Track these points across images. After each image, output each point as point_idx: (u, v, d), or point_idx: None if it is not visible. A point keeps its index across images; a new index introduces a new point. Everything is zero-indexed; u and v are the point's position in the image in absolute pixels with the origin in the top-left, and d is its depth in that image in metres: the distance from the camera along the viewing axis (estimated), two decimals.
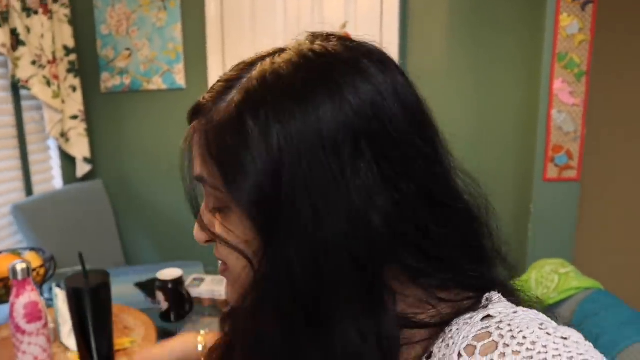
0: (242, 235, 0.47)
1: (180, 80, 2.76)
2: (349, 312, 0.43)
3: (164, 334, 1.39)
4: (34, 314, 1.24)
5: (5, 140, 2.40)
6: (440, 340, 0.44)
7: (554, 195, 2.21)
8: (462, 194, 0.52)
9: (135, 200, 2.93)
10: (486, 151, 2.40)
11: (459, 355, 0.41)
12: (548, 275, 1.78)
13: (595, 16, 1.99)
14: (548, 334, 0.39)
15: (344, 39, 0.50)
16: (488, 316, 0.43)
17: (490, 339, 0.40)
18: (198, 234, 0.53)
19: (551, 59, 2.06)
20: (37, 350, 1.25)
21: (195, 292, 1.61)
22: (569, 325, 0.42)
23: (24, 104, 2.48)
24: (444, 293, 0.47)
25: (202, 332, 0.76)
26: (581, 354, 0.37)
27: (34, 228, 2.36)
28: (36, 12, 2.38)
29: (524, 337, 0.39)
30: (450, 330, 0.44)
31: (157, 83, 2.79)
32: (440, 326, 0.45)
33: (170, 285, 1.52)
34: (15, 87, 2.40)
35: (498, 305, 0.45)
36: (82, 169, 2.79)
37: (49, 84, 2.46)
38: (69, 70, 2.65)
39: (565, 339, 0.39)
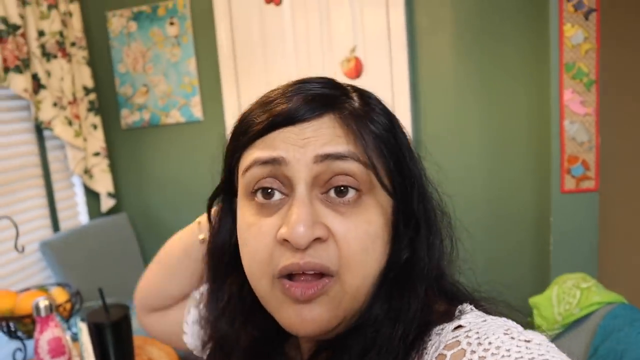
0: (380, 221, 0.50)
1: (197, 112, 2.83)
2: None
3: None
4: (57, 349, 1.28)
5: (31, 179, 2.49)
6: (415, 351, 0.47)
7: (573, 207, 2.18)
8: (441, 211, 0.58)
9: (159, 231, 2.99)
10: (500, 166, 2.40)
11: None
12: (570, 291, 1.75)
13: (599, 24, 1.98)
14: (512, 338, 0.42)
15: None
16: (459, 326, 0.47)
17: (460, 347, 0.43)
18: (308, 230, 0.46)
19: (559, 70, 2.05)
20: None
21: None
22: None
23: (48, 143, 2.58)
24: (429, 300, 0.52)
25: (199, 220, 0.73)
26: (542, 355, 0.40)
27: (61, 263, 2.43)
28: (55, 57, 2.49)
29: (490, 343, 0.42)
30: (424, 341, 0.47)
31: (175, 117, 2.86)
32: (416, 338, 0.48)
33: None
34: (39, 129, 2.50)
35: (469, 315, 0.49)
36: (107, 203, 2.86)
37: (70, 123, 2.55)
38: (89, 109, 2.75)
39: (528, 341, 0.42)
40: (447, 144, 2.46)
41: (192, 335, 0.72)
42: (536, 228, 2.38)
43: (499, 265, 2.45)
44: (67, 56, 2.56)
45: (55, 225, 2.61)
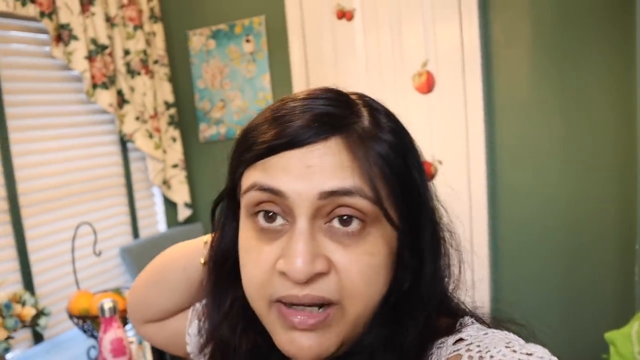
0: (384, 252, 0.49)
1: None
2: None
3: None
4: (119, 350, 1.34)
5: (115, 188, 2.66)
6: None
7: None
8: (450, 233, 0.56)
9: None
10: (581, 189, 2.24)
11: None
12: None
13: None
14: (514, 351, 0.42)
15: None
16: (460, 339, 0.46)
17: None
18: (308, 265, 0.45)
19: None
20: None
21: None
22: None
23: (131, 155, 2.75)
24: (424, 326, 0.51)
25: (206, 239, 0.69)
26: None
27: (139, 268, 2.56)
28: (139, 73, 2.65)
29: (491, 357, 0.41)
30: (425, 355, 0.47)
31: None
32: (418, 353, 0.48)
33: None
34: (123, 141, 2.67)
35: (470, 328, 0.48)
36: (183, 213, 2.99)
37: (151, 136, 2.70)
38: (169, 123, 2.89)
39: (530, 354, 0.41)
40: (523, 164, 2.34)
41: (194, 345, 0.71)
42: (620, 257, 2.19)
43: (578, 295, 2.29)
44: (149, 73, 2.72)
45: (135, 232, 2.76)
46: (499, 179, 2.38)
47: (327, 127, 0.47)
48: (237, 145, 0.53)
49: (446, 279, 0.54)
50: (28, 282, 2.15)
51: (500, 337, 0.45)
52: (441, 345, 0.46)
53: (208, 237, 0.69)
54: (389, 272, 0.49)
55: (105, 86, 2.42)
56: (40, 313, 1.71)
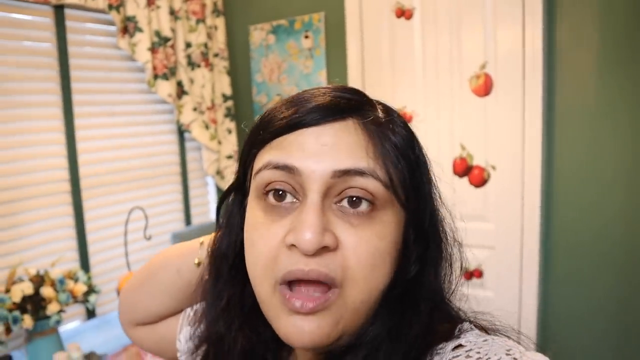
0: (391, 237, 0.49)
1: None
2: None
3: None
4: None
5: (171, 176, 2.76)
6: None
7: None
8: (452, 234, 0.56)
9: None
10: None
11: None
12: None
13: None
14: (515, 359, 0.41)
15: None
16: (459, 345, 0.45)
17: None
18: (318, 236, 0.45)
19: None
20: None
21: None
22: None
23: (187, 145, 2.84)
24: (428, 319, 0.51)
25: (202, 240, 0.68)
26: None
27: None
28: (199, 66, 2.73)
29: None
30: None
31: None
32: (423, 347, 0.47)
33: None
34: (180, 131, 2.76)
35: (469, 334, 0.47)
36: None
37: (207, 127, 2.78)
38: (225, 115, 2.96)
39: None
40: (584, 178, 2.17)
41: (185, 351, 0.71)
42: None
43: (635, 327, 2.10)
44: (209, 66, 2.79)
45: (188, 219, 2.85)
46: (555, 192, 2.24)
47: (345, 108, 0.49)
48: (254, 127, 0.54)
49: (447, 275, 0.54)
50: (84, 262, 2.27)
51: (500, 344, 0.44)
52: (440, 352, 0.45)
53: (205, 238, 0.69)
54: (394, 261, 0.49)
55: (165, 77, 2.51)
56: (90, 290, 1.80)
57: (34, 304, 1.64)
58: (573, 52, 2.19)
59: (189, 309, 0.73)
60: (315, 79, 2.91)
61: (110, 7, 2.28)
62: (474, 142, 2.38)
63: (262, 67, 3.07)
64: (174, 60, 2.58)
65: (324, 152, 0.47)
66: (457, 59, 2.40)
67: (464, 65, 2.39)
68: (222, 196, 0.61)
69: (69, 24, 2.23)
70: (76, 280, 1.79)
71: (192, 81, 2.70)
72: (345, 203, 0.47)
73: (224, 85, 2.95)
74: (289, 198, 0.49)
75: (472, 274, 2.40)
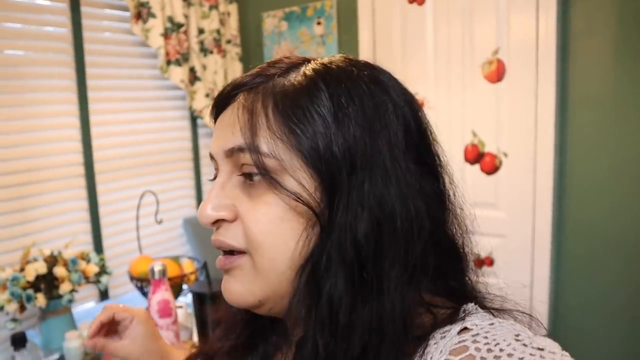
0: (283, 204, 0.48)
1: None
2: (398, 277, 0.46)
3: None
4: (165, 310, 1.42)
5: (183, 162, 2.79)
6: (419, 355, 0.44)
7: None
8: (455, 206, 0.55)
9: None
10: None
11: None
12: None
13: None
14: (524, 345, 0.40)
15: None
16: (465, 329, 0.44)
17: (467, 353, 0.41)
18: (211, 211, 0.50)
19: None
20: None
21: None
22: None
23: (200, 131, 2.86)
24: (430, 297, 0.50)
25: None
26: None
27: (199, 240, 2.68)
28: (212, 52, 2.74)
29: (501, 350, 0.39)
30: (428, 344, 0.44)
31: None
32: (420, 340, 0.45)
33: None
34: (193, 117, 2.78)
35: (475, 316, 0.46)
36: None
37: None
38: None
39: (542, 349, 0.39)
40: (596, 164, 2.14)
41: None
42: None
43: None
44: (222, 52, 2.80)
45: (199, 205, 2.87)
46: (568, 180, 2.22)
47: (239, 84, 0.52)
48: None
49: (413, 235, 0.47)
50: (98, 244, 2.30)
51: (508, 328, 0.43)
52: (445, 335, 0.44)
53: None
54: (299, 229, 0.48)
55: (178, 63, 2.53)
56: (102, 271, 1.83)
57: (47, 283, 1.68)
58: (588, 38, 2.16)
59: None
60: None
61: None
62: (486, 129, 2.36)
63: (275, 53, 3.07)
64: (186, 47, 2.59)
65: (218, 135, 0.52)
66: (469, 45, 2.38)
67: (476, 51, 2.36)
68: None
69: (84, 9, 2.26)
70: (88, 261, 1.82)
71: (204, 67, 2.72)
72: (243, 177, 0.50)
73: (237, 71, 2.96)
74: None
75: (483, 262, 2.39)
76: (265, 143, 0.47)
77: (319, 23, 2.89)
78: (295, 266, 0.48)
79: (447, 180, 0.53)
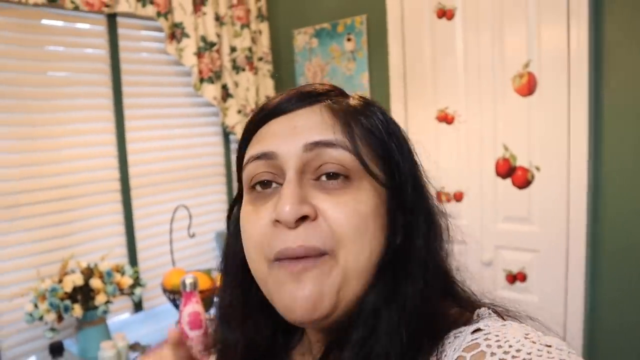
0: (372, 203, 0.51)
1: None
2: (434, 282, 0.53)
3: None
4: (195, 322, 1.44)
5: (216, 177, 2.84)
6: (434, 355, 0.47)
7: None
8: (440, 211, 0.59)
9: None
10: None
11: None
12: None
13: None
14: (533, 342, 0.42)
15: None
16: (478, 329, 0.46)
17: (479, 349, 0.43)
18: (298, 206, 0.48)
19: None
20: None
21: None
22: None
23: (232, 147, 2.91)
24: (445, 305, 0.53)
25: None
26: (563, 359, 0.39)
27: None
28: (244, 69, 2.81)
29: (510, 346, 0.42)
30: (443, 344, 0.47)
31: None
32: (435, 340, 0.48)
33: None
34: (225, 133, 2.84)
35: (487, 319, 0.48)
36: None
37: None
38: None
39: (549, 346, 0.41)
40: (633, 181, 2.07)
41: None
42: None
43: None
44: (254, 69, 2.86)
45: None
46: (603, 195, 2.15)
47: (314, 94, 0.55)
48: (239, 141, 0.60)
49: (439, 246, 0.55)
50: (132, 257, 2.37)
51: (518, 329, 0.45)
52: (459, 335, 0.47)
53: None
54: (382, 229, 0.52)
55: (211, 80, 2.60)
56: (136, 283, 1.88)
57: (83, 294, 1.74)
58: (622, 50, 2.11)
59: None
60: (357, 81, 2.93)
61: (159, 14, 2.39)
62: (517, 143, 2.33)
63: (306, 70, 3.11)
64: (219, 64, 2.66)
65: (295, 132, 0.51)
66: (499, 58, 2.37)
67: (507, 65, 2.35)
68: (231, 205, 0.64)
69: (120, 31, 2.35)
70: (123, 273, 1.88)
71: (236, 84, 2.78)
72: (323, 178, 0.51)
73: (268, 88, 3.02)
74: (273, 185, 0.53)
75: (516, 277, 2.35)
76: (361, 146, 0.52)
77: (349, 39, 2.92)
78: (372, 266, 0.51)
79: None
